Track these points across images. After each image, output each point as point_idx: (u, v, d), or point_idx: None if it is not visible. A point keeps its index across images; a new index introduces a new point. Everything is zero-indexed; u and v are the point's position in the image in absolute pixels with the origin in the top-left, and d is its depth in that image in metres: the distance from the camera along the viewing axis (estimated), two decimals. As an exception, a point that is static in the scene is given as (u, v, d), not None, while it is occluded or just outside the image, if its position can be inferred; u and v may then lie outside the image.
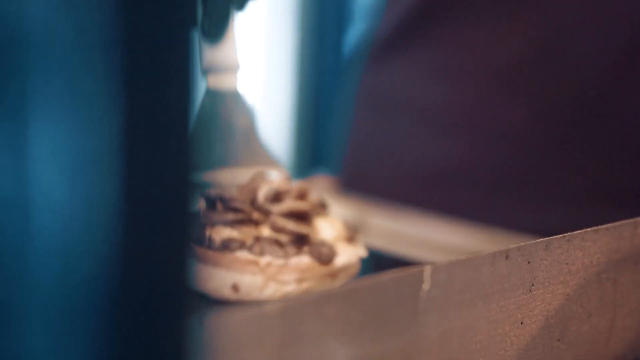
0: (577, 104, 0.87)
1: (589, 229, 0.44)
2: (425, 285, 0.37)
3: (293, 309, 0.34)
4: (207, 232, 0.55)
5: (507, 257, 0.41)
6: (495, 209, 0.86)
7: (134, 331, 0.26)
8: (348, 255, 0.57)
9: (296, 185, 0.58)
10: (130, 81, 0.25)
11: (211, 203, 0.57)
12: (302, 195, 0.58)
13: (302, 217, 0.57)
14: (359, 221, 0.76)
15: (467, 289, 0.39)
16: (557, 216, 0.87)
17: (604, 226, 0.45)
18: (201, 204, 0.58)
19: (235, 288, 0.54)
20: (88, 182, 0.25)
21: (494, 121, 0.90)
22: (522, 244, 0.41)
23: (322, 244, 0.55)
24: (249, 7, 0.73)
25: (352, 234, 0.59)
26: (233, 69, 0.71)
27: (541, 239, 0.42)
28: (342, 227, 0.58)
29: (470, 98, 0.91)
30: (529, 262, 0.41)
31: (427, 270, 0.37)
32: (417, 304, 0.37)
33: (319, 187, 0.95)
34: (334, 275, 0.56)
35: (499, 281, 0.40)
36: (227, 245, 0.54)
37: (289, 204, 0.56)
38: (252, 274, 0.54)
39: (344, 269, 0.57)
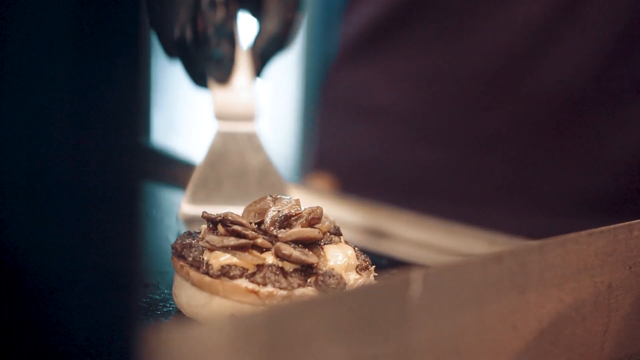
0: (560, 109, 0.86)
1: (583, 232, 0.44)
2: (417, 290, 0.37)
3: (282, 314, 0.34)
4: (206, 257, 0.51)
5: (499, 261, 0.40)
6: (476, 215, 0.83)
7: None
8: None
9: (307, 210, 0.54)
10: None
11: (213, 225, 0.53)
12: (313, 221, 0.54)
13: (310, 244, 0.53)
14: (373, 229, 0.73)
15: (459, 292, 0.39)
16: (540, 223, 0.85)
17: (599, 229, 0.45)
18: (202, 226, 0.54)
19: (233, 318, 0.50)
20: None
21: (473, 127, 0.88)
22: (515, 247, 0.41)
23: (331, 274, 0.51)
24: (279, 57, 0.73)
25: (365, 263, 0.55)
26: (249, 118, 0.70)
27: (535, 242, 0.42)
28: (354, 255, 0.54)
29: (449, 104, 0.89)
30: (522, 266, 0.41)
31: (419, 275, 0.37)
32: (408, 309, 0.37)
33: (319, 187, 0.93)
34: (342, 308, 0.52)
35: (491, 285, 0.40)
36: (226, 272, 0.50)
37: (296, 230, 0.52)
38: (252, 305, 0.50)
39: (354, 302, 0.53)
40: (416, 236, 0.74)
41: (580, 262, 0.44)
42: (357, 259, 0.54)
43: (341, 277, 0.52)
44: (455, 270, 0.39)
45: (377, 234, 0.76)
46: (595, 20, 0.83)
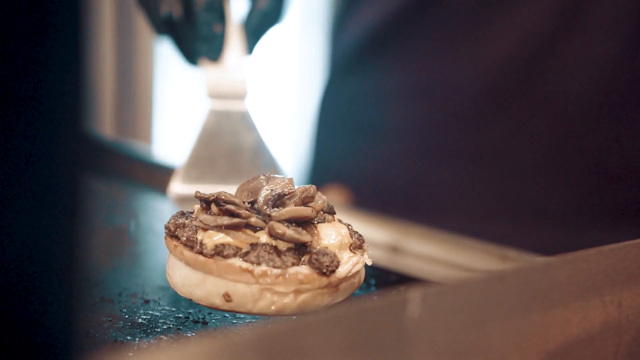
0: (565, 119, 0.83)
1: (591, 250, 0.42)
2: (415, 310, 0.35)
3: (271, 336, 0.32)
4: (199, 236, 0.51)
5: (503, 279, 0.39)
6: (482, 229, 0.82)
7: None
8: (351, 264, 0.53)
9: (301, 188, 0.54)
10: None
11: (206, 205, 0.53)
12: (306, 200, 0.54)
13: (304, 223, 0.53)
14: (384, 243, 0.72)
15: (460, 312, 0.37)
16: (548, 236, 0.84)
17: (607, 247, 0.43)
18: (195, 206, 0.54)
19: (227, 297, 0.50)
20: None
21: (476, 140, 0.86)
22: (519, 265, 0.39)
23: (324, 252, 0.51)
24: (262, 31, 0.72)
25: (358, 242, 0.55)
26: (240, 96, 0.69)
27: (540, 260, 0.40)
28: (348, 233, 0.54)
29: (449, 117, 0.87)
30: (526, 285, 0.40)
31: (417, 294, 0.35)
32: (406, 329, 0.35)
33: (331, 199, 0.91)
34: (335, 286, 0.52)
35: (494, 304, 0.38)
36: (220, 252, 0.50)
37: (290, 209, 0.52)
38: (246, 284, 0.50)
39: (346, 279, 0.53)
40: (426, 251, 0.72)
41: (588, 280, 0.42)
42: (351, 237, 0.54)
43: (335, 256, 0.52)
44: (456, 289, 0.37)
45: (388, 248, 0.74)
46: (598, 29, 0.82)
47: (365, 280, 0.61)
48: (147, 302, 0.55)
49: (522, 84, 0.84)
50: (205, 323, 0.53)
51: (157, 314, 0.54)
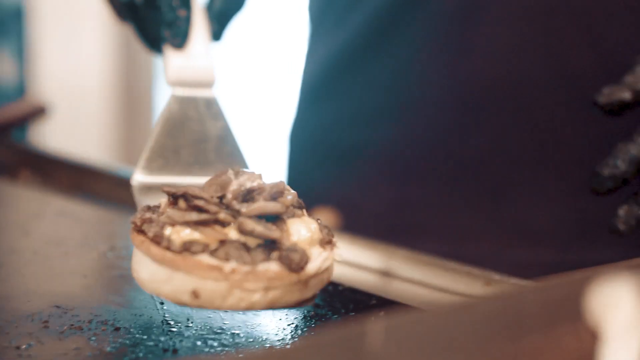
0: (540, 132, 0.82)
1: (565, 276, 0.39)
2: (378, 341, 0.32)
3: None
4: (167, 232, 0.50)
5: (472, 309, 0.36)
6: (459, 251, 0.80)
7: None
8: (321, 260, 0.52)
9: (270, 183, 0.53)
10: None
11: (174, 199, 0.52)
12: (276, 195, 0.53)
13: (274, 218, 0.52)
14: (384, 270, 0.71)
15: (426, 345, 0.34)
16: (524, 257, 0.82)
17: (581, 273, 0.40)
18: (162, 200, 0.53)
19: (195, 294, 0.50)
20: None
21: (449, 158, 0.84)
22: (488, 294, 0.35)
23: (294, 249, 0.51)
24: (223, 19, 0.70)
25: (328, 237, 0.54)
26: (206, 84, 0.68)
27: (512, 287, 0.36)
28: (317, 229, 0.53)
29: (420, 137, 0.85)
30: (499, 314, 0.36)
31: (380, 324, 0.32)
32: None
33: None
34: (305, 283, 0.52)
35: (464, 336, 0.35)
36: (188, 248, 0.49)
37: (259, 205, 0.51)
38: (214, 281, 0.49)
39: (316, 275, 0.52)
40: (409, 274, 0.69)
41: (562, 308, 0.39)
42: (321, 232, 0.53)
43: (304, 252, 0.51)
44: (422, 320, 0.34)
45: (372, 271, 0.72)
46: (568, 48, 0.80)
47: (344, 305, 0.60)
48: (117, 329, 0.54)
49: (496, 97, 0.83)
50: (175, 351, 0.52)
51: (127, 342, 0.52)
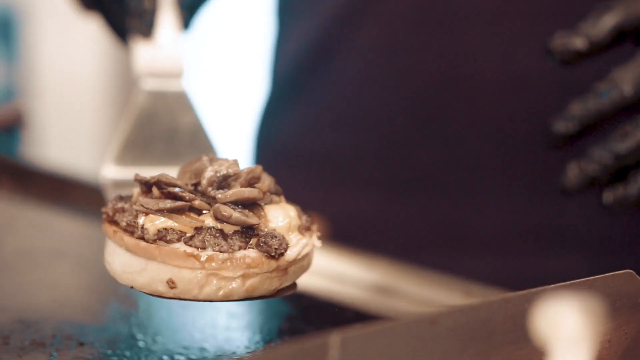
0: (494, 139, 0.80)
1: (533, 289, 0.37)
2: (338, 354, 0.31)
3: None
4: (140, 221, 0.48)
5: (433, 323, 0.34)
6: (418, 260, 0.79)
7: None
8: (301, 247, 0.51)
9: (246, 169, 0.52)
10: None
11: (147, 188, 0.50)
12: (252, 181, 0.51)
13: (251, 205, 0.50)
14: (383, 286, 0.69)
15: (391, 356, 0.33)
16: (482, 260, 0.81)
17: (551, 286, 0.38)
18: (134, 189, 0.51)
19: (171, 284, 0.48)
20: None
21: (406, 167, 0.83)
22: (453, 306, 0.34)
23: (272, 235, 0.49)
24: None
25: (307, 224, 0.53)
26: (176, 75, 0.66)
27: (480, 301, 0.35)
28: (296, 215, 0.52)
29: (376, 145, 0.83)
30: (460, 328, 0.35)
31: (335, 341, 0.31)
32: None
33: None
34: (284, 269, 0.50)
35: (425, 350, 0.34)
36: (162, 237, 0.48)
37: (235, 191, 0.50)
38: (191, 269, 0.48)
39: (295, 262, 0.51)
40: (378, 282, 0.68)
41: (530, 322, 0.37)
42: (300, 219, 0.52)
43: (283, 238, 0.50)
44: (383, 334, 0.33)
45: (334, 279, 0.71)
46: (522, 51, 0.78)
47: (321, 318, 0.59)
48: (82, 344, 0.52)
49: (447, 103, 0.81)
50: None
51: (90, 357, 0.50)
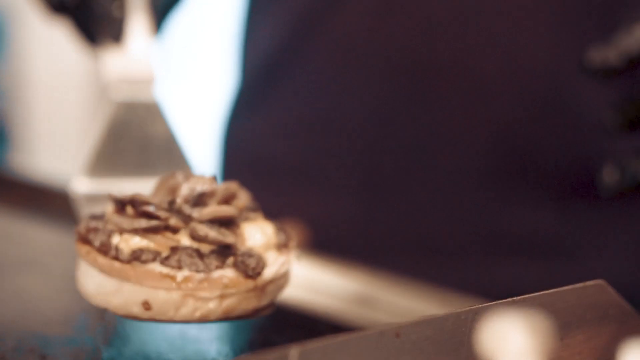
0: (469, 146, 0.79)
1: (501, 302, 0.36)
2: None
3: None
4: (114, 241, 0.47)
5: (397, 335, 0.33)
6: (383, 264, 0.78)
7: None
8: (278, 265, 0.50)
9: (222, 186, 0.51)
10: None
11: (121, 206, 0.49)
12: (229, 198, 0.50)
13: (227, 223, 0.49)
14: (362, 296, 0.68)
15: None
16: (441, 267, 0.80)
17: (519, 298, 0.37)
18: (107, 207, 0.50)
19: (146, 306, 0.47)
20: None
21: (370, 174, 0.82)
22: (418, 318, 0.33)
23: (250, 254, 0.48)
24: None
25: (285, 241, 0.52)
26: (147, 82, 0.65)
27: (446, 313, 0.33)
28: (273, 232, 0.51)
29: (338, 152, 0.83)
30: (426, 340, 0.33)
31: (294, 354, 0.30)
32: None
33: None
34: (262, 289, 0.49)
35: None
36: (137, 257, 0.46)
37: (212, 209, 0.48)
38: (167, 290, 0.47)
39: (273, 281, 0.50)
40: (373, 296, 0.67)
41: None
42: (277, 236, 0.51)
43: (260, 257, 0.49)
44: (344, 346, 0.32)
45: (310, 289, 0.70)
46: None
47: (295, 331, 0.58)
48: (44, 357, 0.50)
49: (418, 107, 0.80)
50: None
51: None
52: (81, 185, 0.66)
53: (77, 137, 1.92)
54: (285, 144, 0.86)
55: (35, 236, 0.82)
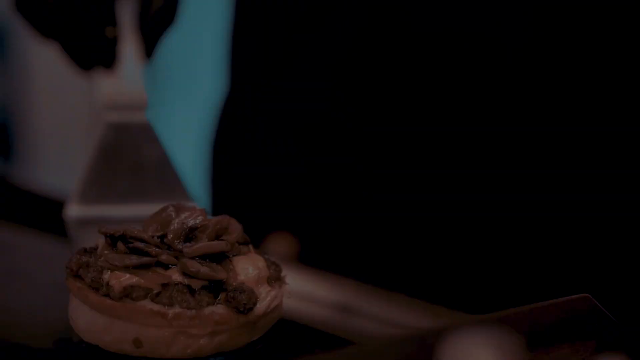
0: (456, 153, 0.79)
1: (495, 314, 0.36)
2: None
3: None
4: (105, 277, 0.47)
5: (370, 351, 0.33)
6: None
7: None
8: (270, 300, 0.50)
9: (213, 220, 0.51)
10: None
11: (111, 241, 0.49)
12: (220, 232, 0.50)
13: (219, 257, 0.49)
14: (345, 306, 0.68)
15: None
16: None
17: (496, 314, 0.37)
18: (99, 242, 0.50)
19: (137, 343, 0.47)
20: None
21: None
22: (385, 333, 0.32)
23: (241, 289, 0.48)
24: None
25: (276, 274, 0.52)
26: (139, 107, 0.64)
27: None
28: (265, 266, 0.51)
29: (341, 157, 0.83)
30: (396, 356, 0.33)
31: None
32: None
33: (278, 251, 0.83)
34: (253, 324, 0.49)
35: None
36: (128, 294, 0.46)
37: (203, 245, 0.48)
38: (157, 327, 0.46)
39: (265, 316, 0.50)
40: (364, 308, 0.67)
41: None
42: (268, 269, 0.51)
43: (252, 292, 0.49)
44: None
45: (305, 300, 0.69)
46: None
47: (289, 343, 0.57)
48: None
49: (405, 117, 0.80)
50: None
51: None
52: (73, 210, 0.66)
53: (75, 151, 1.92)
54: (273, 157, 0.86)
55: (24, 246, 0.81)
